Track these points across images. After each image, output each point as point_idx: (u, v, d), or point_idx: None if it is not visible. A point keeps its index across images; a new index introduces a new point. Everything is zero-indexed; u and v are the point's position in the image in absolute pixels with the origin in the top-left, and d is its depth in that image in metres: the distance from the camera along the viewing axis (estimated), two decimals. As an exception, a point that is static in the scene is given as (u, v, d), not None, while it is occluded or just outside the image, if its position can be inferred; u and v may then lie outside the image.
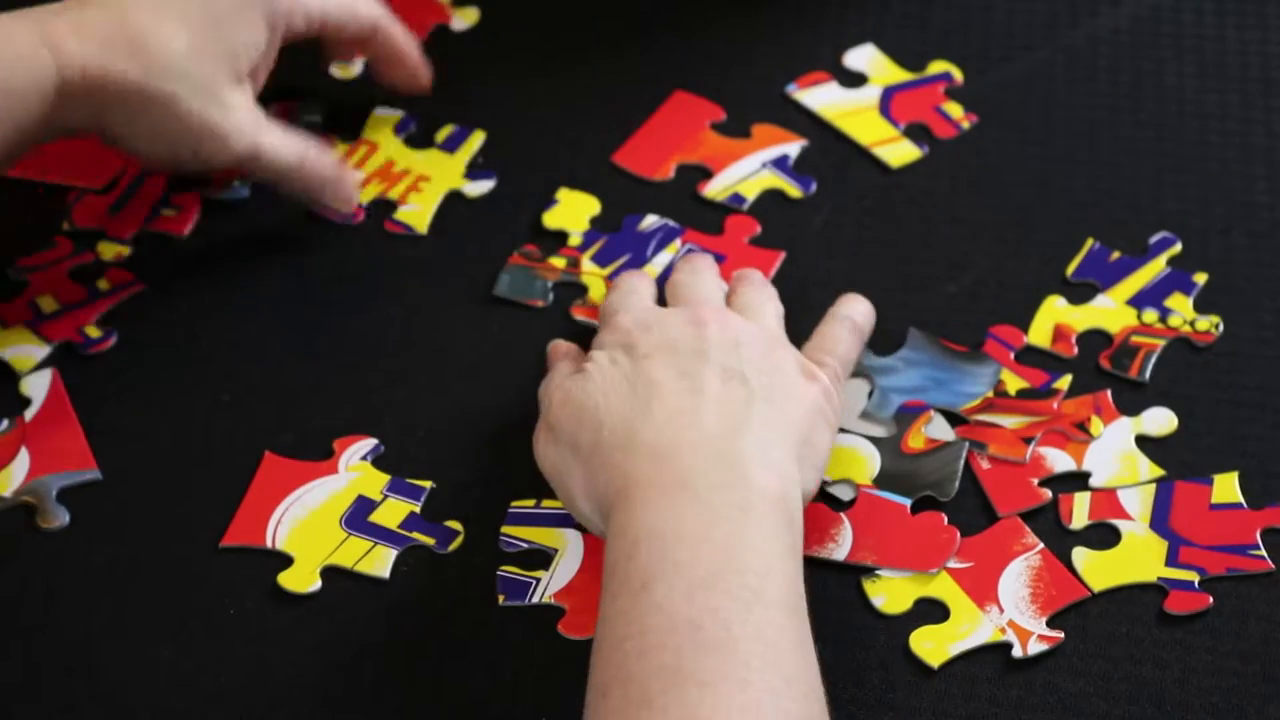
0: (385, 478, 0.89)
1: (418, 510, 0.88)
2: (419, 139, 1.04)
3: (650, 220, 0.99)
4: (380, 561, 0.86)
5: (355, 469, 0.89)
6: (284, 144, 0.96)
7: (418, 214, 1.00)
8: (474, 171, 1.02)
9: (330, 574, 0.86)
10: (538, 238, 0.99)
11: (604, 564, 0.78)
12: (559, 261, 0.97)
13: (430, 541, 0.86)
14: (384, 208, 1.00)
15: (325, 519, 0.88)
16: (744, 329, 0.86)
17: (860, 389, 0.91)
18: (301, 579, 0.85)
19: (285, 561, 0.86)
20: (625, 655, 0.73)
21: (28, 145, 0.92)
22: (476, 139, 1.03)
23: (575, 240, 0.98)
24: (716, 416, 0.81)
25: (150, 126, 0.92)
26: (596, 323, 0.91)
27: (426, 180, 1.01)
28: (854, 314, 0.91)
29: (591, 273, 0.97)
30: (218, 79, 0.93)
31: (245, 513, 0.88)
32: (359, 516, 0.88)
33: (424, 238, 0.99)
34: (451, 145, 1.03)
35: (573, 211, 1.00)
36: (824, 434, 0.84)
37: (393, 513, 0.88)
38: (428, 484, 0.88)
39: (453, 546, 0.86)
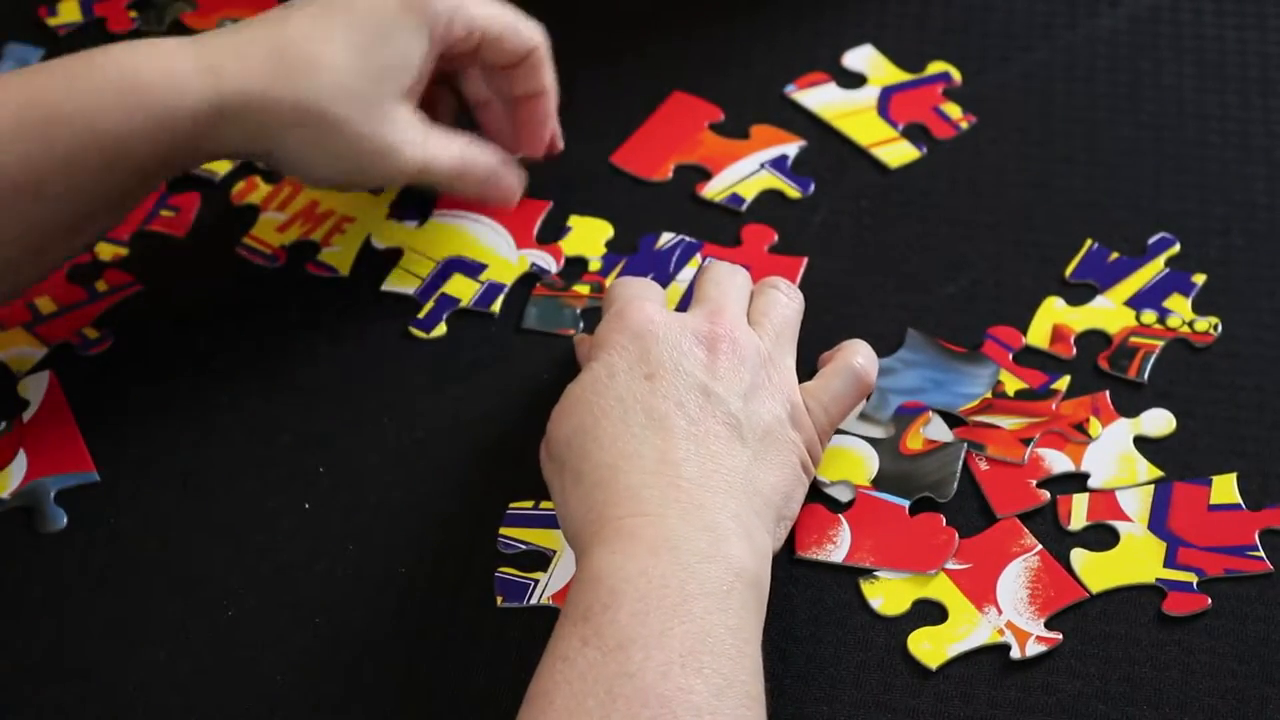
0: None
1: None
2: None
3: (667, 238, 0.98)
4: None
5: None
6: (448, 152, 0.94)
7: (340, 255, 0.98)
8: (399, 211, 1.00)
9: (332, 574, 0.86)
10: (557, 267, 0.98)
11: (571, 599, 0.76)
12: (583, 289, 0.96)
13: None
14: (307, 249, 0.99)
15: None
16: (753, 355, 0.84)
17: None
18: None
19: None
20: (589, 714, 0.71)
21: (183, 168, 0.92)
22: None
23: (595, 265, 0.98)
24: (705, 472, 0.79)
25: (318, 149, 0.90)
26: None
27: (350, 222, 1.00)
28: (859, 363, 0.88)
29: None
30: (385, 96, 0.90)
31: None
32: None
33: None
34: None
35: (587, 237, 0.99)
36: (800, 493, 0.84)
37: None
38: None
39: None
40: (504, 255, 0.98)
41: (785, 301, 0.89)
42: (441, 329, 0.96)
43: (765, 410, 0.83)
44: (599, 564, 0.76)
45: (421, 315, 0.96)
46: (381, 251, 0.99)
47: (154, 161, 0.88)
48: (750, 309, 0.88)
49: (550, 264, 0.98)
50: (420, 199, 1.00)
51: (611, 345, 0.84)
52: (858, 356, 0.88)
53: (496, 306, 0.96)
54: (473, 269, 0.98)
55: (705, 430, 0.81)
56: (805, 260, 0.97)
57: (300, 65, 0.88)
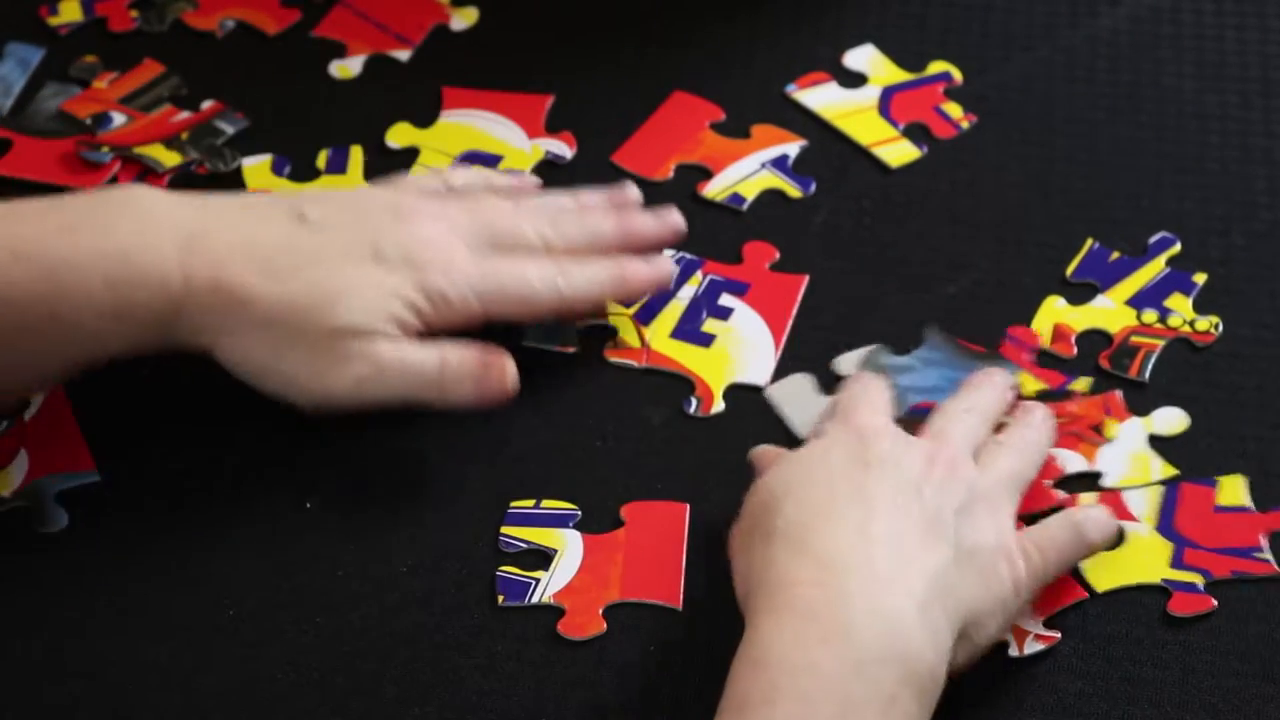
0: None
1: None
2: (301, 172, 1.01)
3: (667, 255, 0.97)
4: None
5: None
6: (421, 357, 0.87)
7: None
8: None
9: (332, 574, 0.86)
10: None
11: (733, 677, 0.73)
12: None
13: None
14: None
15: None
16: (969, 479, 0.81)
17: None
18: None
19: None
20: None
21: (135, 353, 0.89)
22: (357, 152, 1.01)
23: None
24: (902, 555, 0.76)
25: (279, 351, 0.86)
26: (632, 363, 0.92)
27: None
28: (1081, 518, 0.83)
29: (618, 313, 0.95)
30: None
31: None
32: None
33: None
34: (338, 167, 1.01)
35: None
36: (993, 624, 0.78)
37: None
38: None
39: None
40: (518, 146, 1.01)
41: (1021, 450, 0.85)
42: None
43: (976, 530, 0.79)
44: (766, 641, 0.74)
45: None
46: (397, 152, 1.01)
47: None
48: (994, 435, 0.85)
49: (564, 151, 1.01)
50: None
51: (834, 435, 0.82)
52: (1083, 511, 0.84)
53: None
54: (490, 161, 1.00)
55: (911, 522, 0.78)
56: (806, 279, 0.96)
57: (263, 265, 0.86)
